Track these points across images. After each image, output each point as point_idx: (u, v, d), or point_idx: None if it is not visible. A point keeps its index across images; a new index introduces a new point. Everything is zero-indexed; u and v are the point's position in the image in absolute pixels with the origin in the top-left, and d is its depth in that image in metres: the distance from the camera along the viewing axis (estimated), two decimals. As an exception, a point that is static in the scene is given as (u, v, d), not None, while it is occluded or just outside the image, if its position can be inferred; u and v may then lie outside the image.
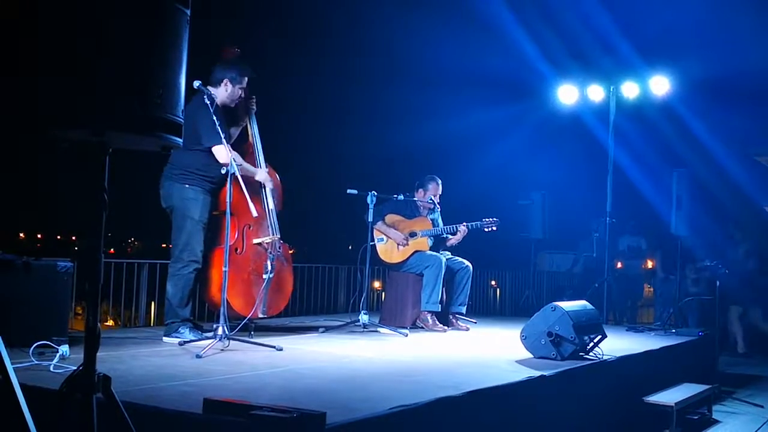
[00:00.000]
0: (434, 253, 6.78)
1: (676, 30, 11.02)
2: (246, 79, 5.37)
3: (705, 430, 5.36)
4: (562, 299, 5.28)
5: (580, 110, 9.99)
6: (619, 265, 11.09)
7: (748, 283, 9.10)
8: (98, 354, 2.37)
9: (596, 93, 9.52)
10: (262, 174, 5.47)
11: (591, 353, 5.06)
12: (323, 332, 6.04)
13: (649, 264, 11.84)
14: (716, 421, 5.62)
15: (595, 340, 5.15)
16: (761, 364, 8.74)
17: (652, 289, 11.95)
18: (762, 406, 6.16)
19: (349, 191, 6.40)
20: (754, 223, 10.60)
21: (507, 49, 11.78)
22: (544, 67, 10.91)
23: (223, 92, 5.29)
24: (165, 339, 5.04)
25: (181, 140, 2.40)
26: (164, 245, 5.42)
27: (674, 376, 5.94)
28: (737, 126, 11.89)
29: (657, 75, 9.23)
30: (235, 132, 5.58)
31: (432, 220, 7.03)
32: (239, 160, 5.13)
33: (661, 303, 10.30)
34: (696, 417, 5.48)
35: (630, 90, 9.32)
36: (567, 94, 9.74)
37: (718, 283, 7.83)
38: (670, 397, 5.29)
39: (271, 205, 5.51)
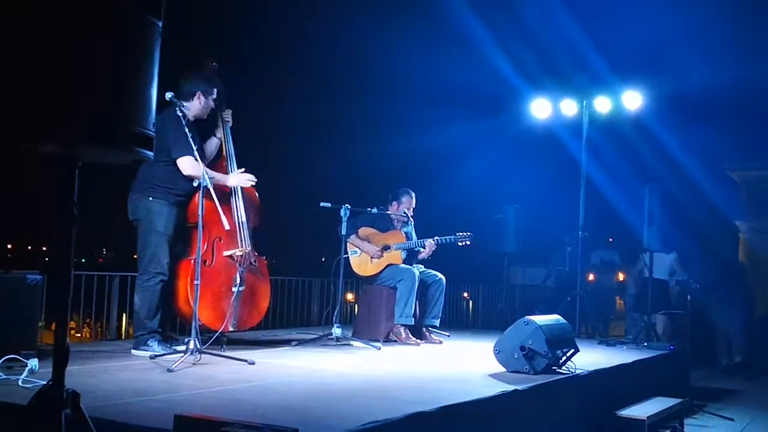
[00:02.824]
0: (408, 267, 6.78)
1: (648, 45, 11.19)
2: (216, 90, 5.34)
3: (676, 443, 5.39)
4: (534, 313, 5.30)
5: (553, 125, 10.06)
6: (591, 278, 11.16)
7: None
8: (68, 368, 2.33)
9: (569, 107, 9.61)
10: (233, 179, 5.41)
11: (564, 367, 5.08)
12: (296, 345, 5.99)
13: (621, 277, 11.93)
14: (687, 435, 5.66)
15: (568, 354, 5.16)
16: (732, 378, 8.84)
17: (623, 302, 12.04)
18: (732, 419, 6.22)
19: (322, 204, 6.38)
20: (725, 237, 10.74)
21: (481, 64, 11.88)
22: (517, 82, 11.01)
23: (196, 105, 5.27)
24: (134, 352, 4.99)
25: (152, 153, 2.37)
26: (135, 256, 5.36)
27: (646, 390, 5.97)
28: (709, 141, 12.06)
29: (629, 90, 9.33)
30: (211, 145, 5.55)
31: (405, 233, 7.03)
32: (208, 171, 5.08)
33: (632, 316, 10.37)
34: (668, 430, 5.51)
35: (603, 105, 9.41)
36: (540, 109, 9.82)
37: (689, 297, 7.91)
38: (642, 410, 5.32)
39: (244, 218, 5.47)
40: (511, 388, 4.23)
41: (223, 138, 5.60)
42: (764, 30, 11.59)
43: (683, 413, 5.84)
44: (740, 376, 8.92)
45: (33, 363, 3.86)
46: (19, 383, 3.56)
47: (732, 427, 6.02)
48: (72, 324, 8.57)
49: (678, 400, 5.82)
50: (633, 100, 9.31)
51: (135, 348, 5.02)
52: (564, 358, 5.12)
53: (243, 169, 5.50)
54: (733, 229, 12.75)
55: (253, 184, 5.50)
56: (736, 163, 12.76)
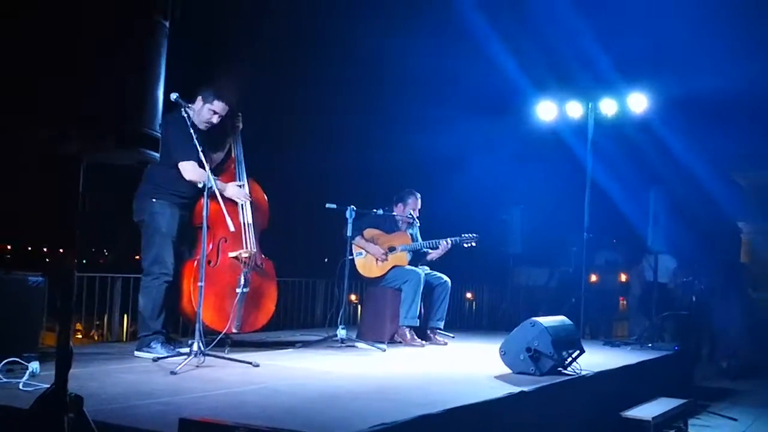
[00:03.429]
0: (413, 268, 6.76)
1: (654, 48, 11.16)
2: (219, 103, 5.21)
3: (681, 444, 5.37)
4: (538, 314, 5.28)
5: (559, 127, 10.02)
6: (594, 278, 11.13)
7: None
8: (70, 371, 2.31)
9: (575, 110, 9.56)
10: (231, 189, 5.32)
11: (569, 368, 5.05)
12: (300, 347, 5.97)
13: (623, 278, 11.91)
14: (692, 435, 5.64)
15: (574, 355, 5.14)
16: (736, 378, 8.81)
17: (626, 303, 12.01)
18: (736, 420, 6.21)
19: (327, 206, 6.36)
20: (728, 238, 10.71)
21: (488, 65, 11.85)
22: (524, 84, 10.97)
23: (196, 108, 5.21)
24: (137, 353, 4.97)
25: (158, 155, 2.35)
26: (138, 257, 5.34)
27: (651, 391, 5.95)
28: (713, 143, 12.04)
29: (635, 92, 9.29)
30: (218, 155, 5.48)
31: (411, 234, 7.01)
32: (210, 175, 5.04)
33: (636, 317, 10.35)
34: (672, 431, 5.50)
35: (608, 107, 9.36)
36: (546, 111, 9.77)
37: (694, 298, 7.88)
38: (647, 411, 5.31)
39: (249, 219, 5.44)
40: (517, 389, 4.21)
41: (232, 139, 5.56)
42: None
43: (687, 413, 5.83)
44: (741, 376, 8.88)
45: (34, 366, 3.84)
46: (20, 386, 3.54)
47: (735, 427, 6.00)
48: (78, 326, 8.54)
49: (682, 401, 5.80)
50: (638, 102, 9.26)
51: (138, 349, 5.00)
52: (569, 359, 5.10)
53: (243, 183, 5.44)
54: (736, 231, 12.74)
55: (247, 202, 5.43)
56: (741, 166, 12.76)
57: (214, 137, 5.32)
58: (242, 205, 5.41)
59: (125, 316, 7.02)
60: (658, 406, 5.50)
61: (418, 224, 7.10)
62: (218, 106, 5.23)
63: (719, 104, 12.08)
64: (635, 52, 10.97)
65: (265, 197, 5.68)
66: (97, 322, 7.05)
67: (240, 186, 5.41)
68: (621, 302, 12.16)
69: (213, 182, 4.78)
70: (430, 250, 6.94)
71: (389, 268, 6.74)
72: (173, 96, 4.79)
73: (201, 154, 4.84)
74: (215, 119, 5.26)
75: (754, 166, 12.67)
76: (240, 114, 5.57)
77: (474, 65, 12.18)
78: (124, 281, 6.76)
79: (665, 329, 8.70)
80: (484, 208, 13.02)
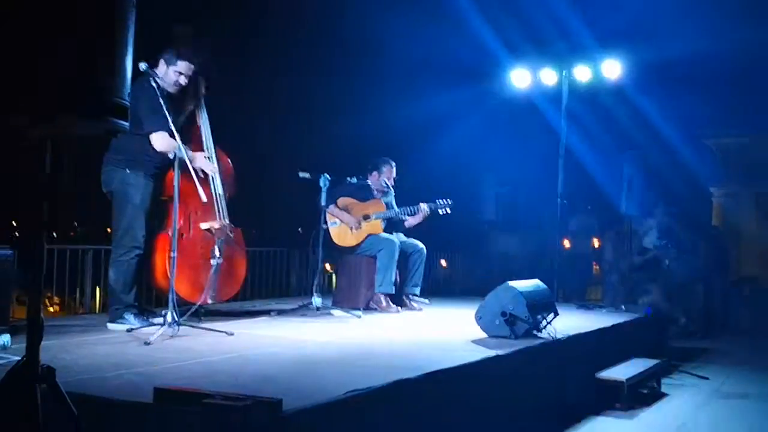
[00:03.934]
0: (388, 236, 6.75)
1: (628, 14, 11.13)
2: (182, 62, 5.10)
3: (654, 403, 5.46)
4: (511, 279, 5.31)
5: (533, 94, 10.00)
6: (567, 244, 11.23)
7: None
8: (42, 343, 2.27)
9: (549, 77, 9.54)
10: (200, 160, 5.23)
11: (544, 332, 5.10)
12: (275, 316, 5.96)
13: (596, 243, 12.02)
14: (665, 395, 5.74)
15: (548, 319, 5.18)
16: (708, 338, 8.98)
17: (599, 267, 12.14)
18: (708, 378, 6.33)
19: (301, 174, 6.31)
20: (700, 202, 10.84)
21: (461, 31, 11.75)
22: (497, 51, 10.90)
23: (160, 73, 5.11)
24: (110, 326, 4.91)
25: (127, 124, 2.30)
26: (109, 229, 5.26)
27: (625, 352, 6.03)
28: (685, 109, 12.11)
29: (609, 59, 9.28)
30: (180, 117, 5.40)
31: (386, 203, 6.98)
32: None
33: (610, 280, 10.47)
34: (646, 391, 5.60)
35: (582, 74, 9.35)
36: (520, 78, 9.74)
37: (667, 261, 7.98)
38: (621, 372, 5.39)
39: (220, 190, 5.38)
40: (493, 353, 4.23)
41: (196, 108, 5.46)
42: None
43: (660, 373, 5.92)
44: (699, 334, 9.06)
45: (5, 339, 3.79)
46: (-8, 360, 3.49)
47: (707, 386, 6.11)
48: (57, 300, 8.46)
49: (655, 361, 5.90)
50: (613, 68, 9.26)
51: (111, 321, 4.93)
52: (544, 322, 5.14)
53: (211, 155, 5.34)
54: (707, 195, 12.90)
55: (213, 175, 5.35)
56: (711, 131, 12.87)
57: (174, 102, 5.20)
58: (213, 176, 5.34)
59: (97, 288, 6.94)
60: (632, 367, 5.58)
61: (393, 193, 7.08)
62: (182, 66, 5.12)
63: (690, 69, 12.12)
64: (609, 18, 10.93)
65: (230, 163, 5.59)
66: (58, 295, 6.96)
67: (208, 158, 5.33)
68: (594, 267, 12.30)
69: (184, 153, 4.71)
70: (407, 217, 6.92)
71: (364, 236, 6.73)
72: (142, 65, 4.69)
73: (171, 125, 4.77)
74: (183, 80, 5.15)
75: (723, 130, 12.79)
76: (205, 80, 5.45)
77: (447, 31, 12.08)
78: (95, 253, 6.68)
79: (638, 291, 8.81)
80: (458, 176, 13.04)
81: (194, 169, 4.89)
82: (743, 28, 11.04)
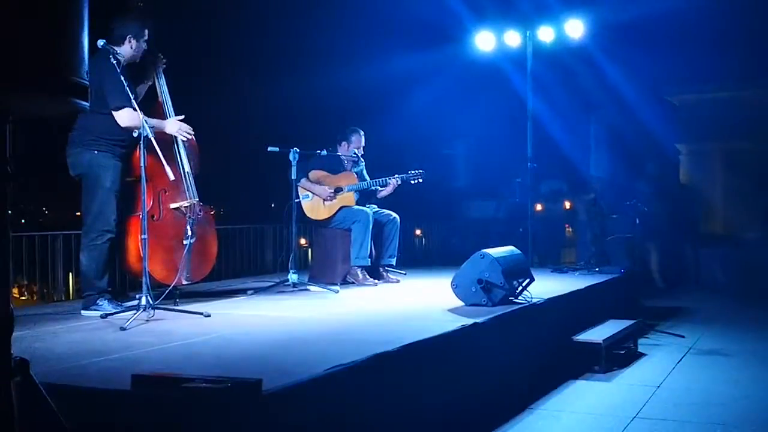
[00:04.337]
0: (361, 208, 6.71)
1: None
2: (147, 31, 5.08)
3: (632, 363, 5.53)
4: (487, 246, 5.32)
5: (498, 57, 9.96)
6: (539, 207, 11.28)
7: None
8: (15, 334, 2.21)
9: (513, 39, 9.50)
10: (171, 125, 5.15)
11: (520, 297, 5.13)
12: (252, 294, 5.92)
13: (567, 205, 12.10)
14: (642, 354, 5.83)
15: (524, 284, 5.22)
16: (680, 297, 9.11)
17: (572, 230, 12.24)
18: (683, 336, 6.42)
19: (270, 149, 6.23)
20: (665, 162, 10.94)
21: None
22: (461, 13, 10.81)
23: (127, 49, 5.00)
24: (84, 312, 4.83)
25: (87, 104, 2.23)
26: (78, 213, 5.16)
27: (601, 314, 6.10)
28: (649, 68, 12.16)
29: (572, 18, 9.25)
30: (142, 90, 5.31)
31: (357, 173, 6.94)
32: (147, 119, 4.88)
33: (583, 242, 10.57)
34: (623, 351, 5.67)
35: (546, 34, 9.32)
36: (484, 41, 9.68)
37: (637, 220, 8.04)
38: (598, 334, 5.45)
39: (188, 168, 5.28)
40: (470, 321, 4.25)
41: (156, 82, 5.36)
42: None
43: (636, 333, 6.00)
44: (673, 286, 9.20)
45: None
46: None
47: (683, 344, 6.20)
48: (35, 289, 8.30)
49: (631, 322, 5.97)
50: (576, 28, 9.24)
51: (84, 308, 4.85)
52: (520, 288, 5.17)
53: (182, 117, 5.28)
54: (675, 152, 13.02)
55: (191, 137, 5.29)
56: (674, 88, 12.96)
57: (133, 78, 5.10)
58: (179, 153, 5.25)
59: (70, 274, 6.84)
60: (608, 329, 5.64)
61: (363, 162, 7.03)
62: (146, 34, 5.09)
63: (651, 27, 12.16)
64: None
65: (195, 139, 5.49)
66: (29, 284, 6.87)
67: (180, 119, 5.24)
68: (567, 229, 12.39)
69: (149, 131, 4.61)
70: (379, 188, 6.89)
71: (337, 209, 6.68)
72: (100, 42, 4.60)
73: (134, 102, 4.68)
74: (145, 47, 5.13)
75: (686, 87, 12.89)
76: (161, 54, 5.35)
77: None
78: (65, 238, 6.57)
79: (611, 253, 8.88)
80: (427, 143, 13.00)
81: (160, 147, 4.79)
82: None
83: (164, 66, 5.38)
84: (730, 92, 12.47)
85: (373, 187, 6.85)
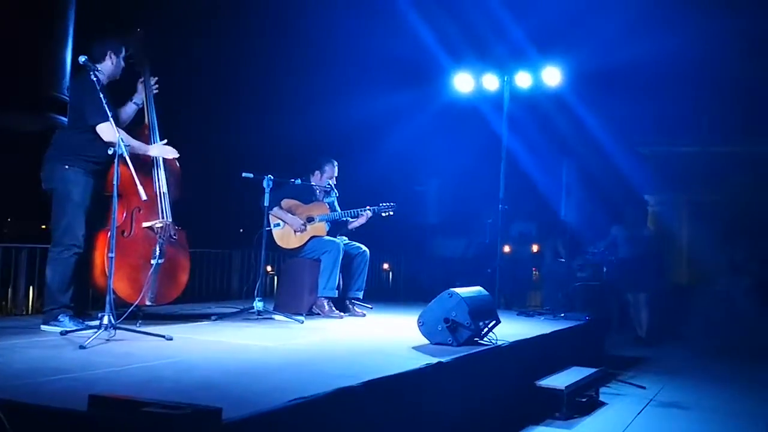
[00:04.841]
0: (332, 239, 6.70)
1: (568, 22, 11.32)
2: (124, 48, 5.17)
3: (593, 412, 5.53)
4: (454, 284, 5.33)
5: (476, 98, 10.08)
6: (507, 249, 11.34)
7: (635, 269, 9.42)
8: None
9: (491, 82, 9.63)
10: (156, 149, 5.27)
11: (486, 339, 5.12)
12: (216, 320, 5.85)
13: (535, 248, 12.18)
14: (603, 403, 5.82)
15: (490, 326, 5.21)
16: (646, 348, 9.15)
17: (537, 273, 12.31)
18: (644, 387, 6.43)
19: (244, 175, 6.22)
20: (638, 210, 11.08)
21: (404, 34, 11.79)
22: (440, 55, 10.96)
23: (108, 66, 5.09)
24: (43, 327, 4.77)
25: (66, 119, 2.22)
26: (44, 226, 5.11)
27: (564, 359, 6.10)
28: (622, 118, 12.40)
29: (549, 66, 9.41)
30: (128, 116, 5.40)
31: (329, 203, 6.94)
32: (128, 139, 4.90)
33: (549, 287, 10.61)
34: (584, 399, 5.66)
35: (523, 80, 9.47)
36: (463, 83, 9.80)
37: (605, 269, 8.10)
38: (560, 380, 5.44)
39: (164, 188, 5.29)
40: (435, 360, 4.23)
41: (146, 106, 5.42)
42: (675, 7, 11.93)
43: (598, 382, 6.01)
44: (653, 343, 9.23)
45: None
46: None
47: (644, 395, 6.22)
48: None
49: (594, 370, 5.97)
50: (553, 76, 9.40)
51: (45, 323, 4.80)
52: (486, 329, 5.16)
53: (165, 141, 5.34)
54: (643, 203, 13.22)
55: (176, 157, 5.34)
56: (645, 139, 13.22)
57: (112, 95, 5.13)
58: (157, 173, 5.26)
59: (30, 288, 6.72)
60: (571, 376, 5.64)
61: (336, 193, 7.03)
62: (124, 50, 5.19)
63: (626, 78, 12.44)
64: (549, 26, 11.11)
65: (177, 164, 5.53)
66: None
67: (164, 143, 5.33)
68: (534, 272, 12.46)
69: (123, 148, 4.60)
70: (350, 219, 6.89)
71: (308, 238, 6.67)
72: (81, 59, 4.60)
73: (111, 119, 4.70)
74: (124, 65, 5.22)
75: (656, 139, 13.15)
76: (155, 78, 5.43)
77: (391, 35, 12.10)
78: (30, 252, 6.47)
79: (575, 299, 8.94)
80: (401, 179, 13.06)
81: (135, 165, 4.78)
82: (677, 39, 11.36)
83: (155, 92, 5.43)
84: (700, 147, 12.73)
85: (344, 218, 6.86)
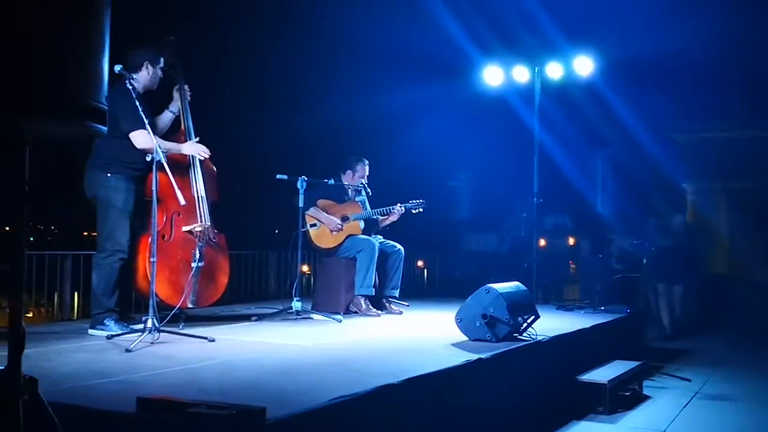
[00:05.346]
0: (367, 237, 6.73)
1: (599, 10, 11.20)
2: (162, 59, 5.23)
3: (637, 405, 5.46)
4: (489, 280, 5.31)
5: (506, 91, 10.01)
6: (543, 243, 11.26)
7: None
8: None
9: (521, 74, 9.55)
10: (189, 147, 5.32)
11: (525, 334, 5.11)
12: (256, 320, 5.92)
13: (571, 241, 12.07)
14: (647, 397, 5.74)
15: (529, 321, 5.19)
16: (687, 339, 9.00)
17: (575, 266, 12.20)
18: (690, 380, 6.31)
19: (278, 176, 6.28)
20: (675, 199, 10.93)
21: (434, 28, 11.75)
22: (470, 48, 10.90)
23: (145, 75, 5.16)
24: (90, 331, 4.87)
25: (105, 128, 2.26)
26: (86, 233, 5.23)
27: (605, 353, 6.05)
28: (656, 105, 12.23)
29: (580, 55, 9.30)
30: (165, 124, 5.48)
31: (360, 202, 6.97)
32: (162, 142, 4.97)
33: (587, 280, 10.50)
34: (628, 393, 5.57)
35: (554, 71, 9.37)
36: (493, 76, 9.74)
37: (645, 260, 8.00)
38: (602, 374, 5.38)
39: (202, 192, 5.36)
40: (475, 356, 4.23)
41: (182, 112, 5.50)
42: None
43: (642, 375, 5.93)
44: (680, 336, 9.08)
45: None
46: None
47: (689, 388, 6.11)
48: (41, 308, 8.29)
49: (636, 363, 5.90)
50: (584, 65, 9.29)
51: (92, 327, 4.90)
52: (525, 324, 5.14)
53: (197, 139, 5.41)
54: (682, 192, 13.03)
55: (207, 156, 5.39)
56: (680, 126, 13.01)
57: (148, 104, 5.21)
58: (194, 177, 5.34)
59: (76, 294, 6.86)
60: (613, 369, 5.58)
61: (369, 192, 7.04)
62: (162, 61, 5.24)
63: (657, 64, 12.26)
64: (580, 15, 10.99)
65: (215, 169, 5.60)
66: (43, 301, 6.89)
67: (196, 140, 5.40)
68: (571, 265, 12.35)
69: (161, 155, 4.68)
70: (380, 217, 6.92)
71: (344, 237, 6.70)
72: (117, 68, 4.69)
73: (148, 126, 4.77)
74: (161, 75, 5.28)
75: (691, 125, 12.94)
76: (187, 86, 5.50)
77: (421, 28, 12.08)
78: (74, 258, 6.61)
79: (615, 292, 8.84)
80: (432, 175, 13.03)
81: (174, 170, 4.85)
82: (710, 24, 11.18)
83: (189, 98, 5.51)
84: (736, 132, 12.51)
85: (375, 216, 6.88)
